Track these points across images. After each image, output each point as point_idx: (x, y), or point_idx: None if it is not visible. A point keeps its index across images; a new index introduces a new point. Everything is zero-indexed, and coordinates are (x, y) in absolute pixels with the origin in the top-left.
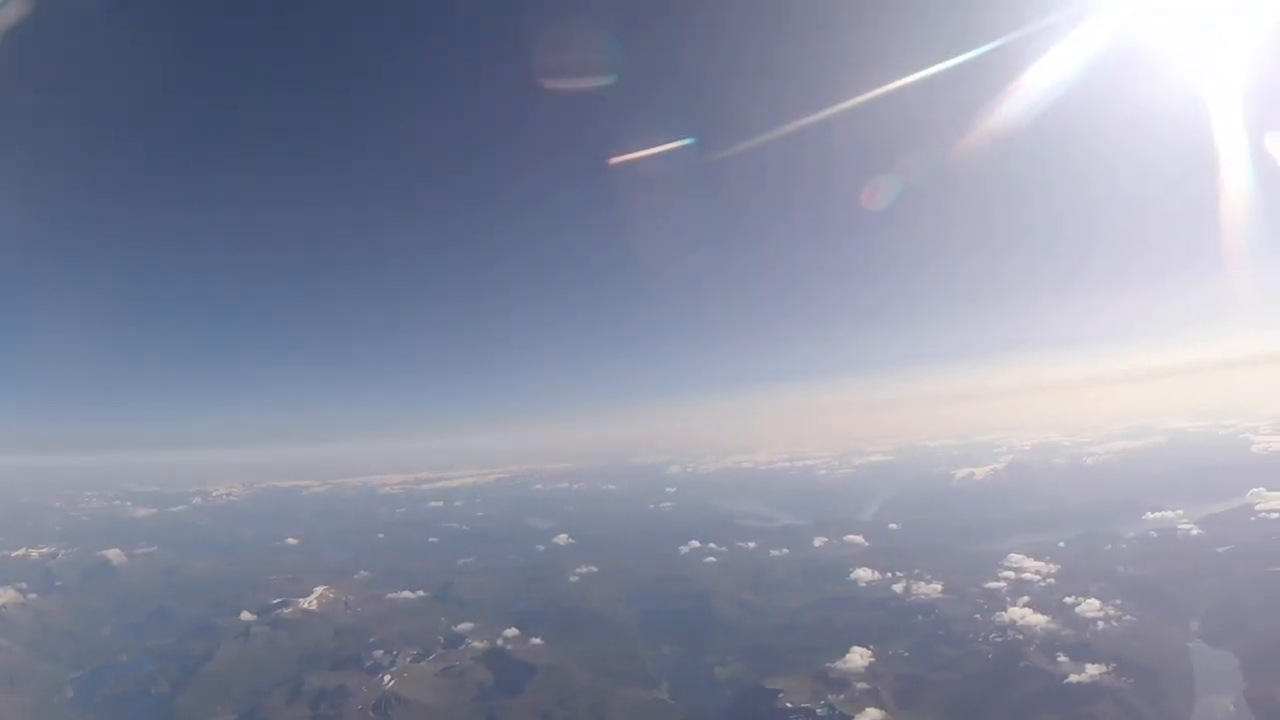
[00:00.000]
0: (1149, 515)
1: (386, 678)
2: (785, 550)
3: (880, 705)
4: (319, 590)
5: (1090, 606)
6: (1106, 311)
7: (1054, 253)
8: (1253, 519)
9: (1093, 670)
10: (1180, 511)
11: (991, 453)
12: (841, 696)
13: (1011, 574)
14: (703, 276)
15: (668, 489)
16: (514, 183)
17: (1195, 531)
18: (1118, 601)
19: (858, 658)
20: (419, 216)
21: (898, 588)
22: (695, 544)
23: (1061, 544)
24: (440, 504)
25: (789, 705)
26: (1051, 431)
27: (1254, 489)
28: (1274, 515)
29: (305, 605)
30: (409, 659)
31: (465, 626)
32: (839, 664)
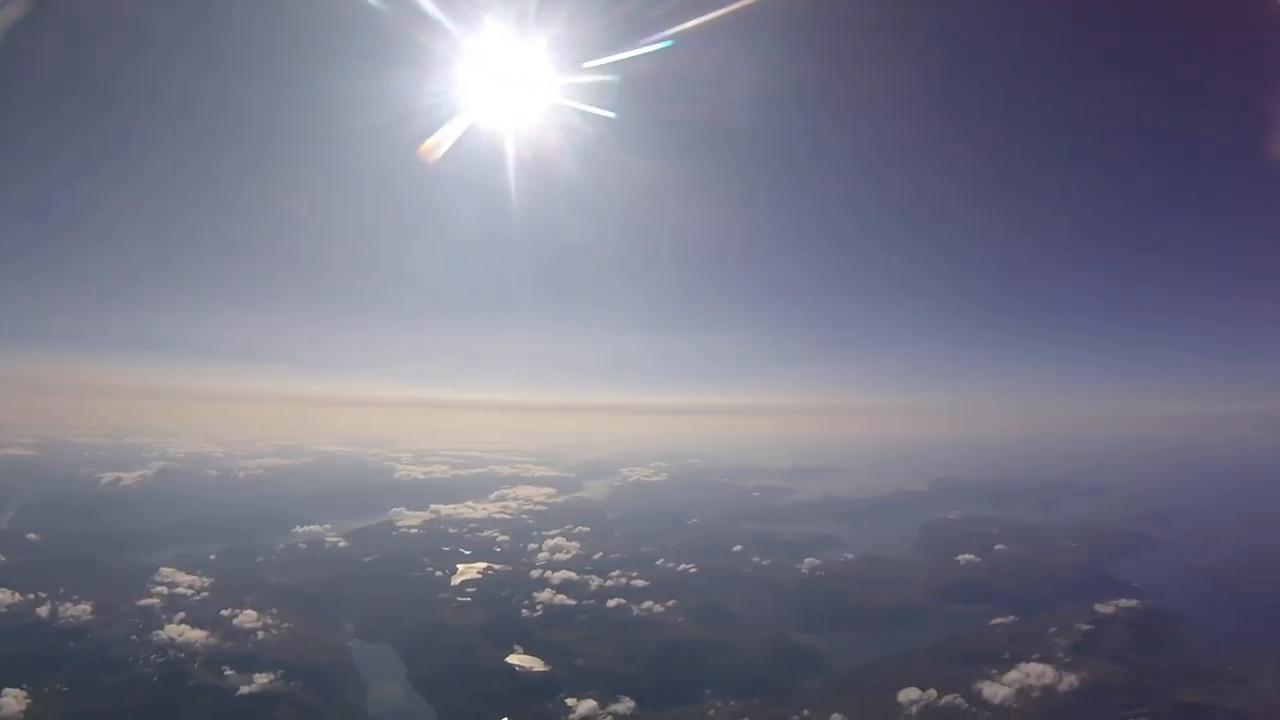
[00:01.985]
0: (299, 529)
1: None
2: None
3: None
4: None
5: (248, 617)
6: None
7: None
8: (394, 533)
9: (262, 679)
10: (328, 526)
11: (143, 457)
12: None
13: (165, 589)
14: None
15: None
16: None
17: (343, 544)
18: (274, 610)
19: (13, 701)
20: None
21: (43, 611)
22: None
23: (213, 556)
24: None
25: None
26: (205, 441)
27: (395, 508)
28: (412, 530)
29: None
30: None
31: None
32: None
